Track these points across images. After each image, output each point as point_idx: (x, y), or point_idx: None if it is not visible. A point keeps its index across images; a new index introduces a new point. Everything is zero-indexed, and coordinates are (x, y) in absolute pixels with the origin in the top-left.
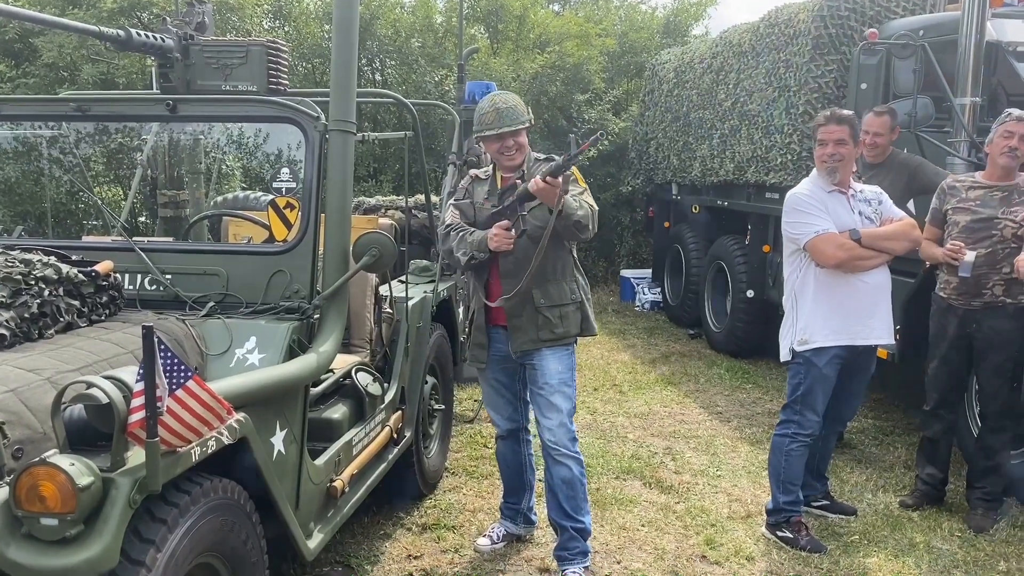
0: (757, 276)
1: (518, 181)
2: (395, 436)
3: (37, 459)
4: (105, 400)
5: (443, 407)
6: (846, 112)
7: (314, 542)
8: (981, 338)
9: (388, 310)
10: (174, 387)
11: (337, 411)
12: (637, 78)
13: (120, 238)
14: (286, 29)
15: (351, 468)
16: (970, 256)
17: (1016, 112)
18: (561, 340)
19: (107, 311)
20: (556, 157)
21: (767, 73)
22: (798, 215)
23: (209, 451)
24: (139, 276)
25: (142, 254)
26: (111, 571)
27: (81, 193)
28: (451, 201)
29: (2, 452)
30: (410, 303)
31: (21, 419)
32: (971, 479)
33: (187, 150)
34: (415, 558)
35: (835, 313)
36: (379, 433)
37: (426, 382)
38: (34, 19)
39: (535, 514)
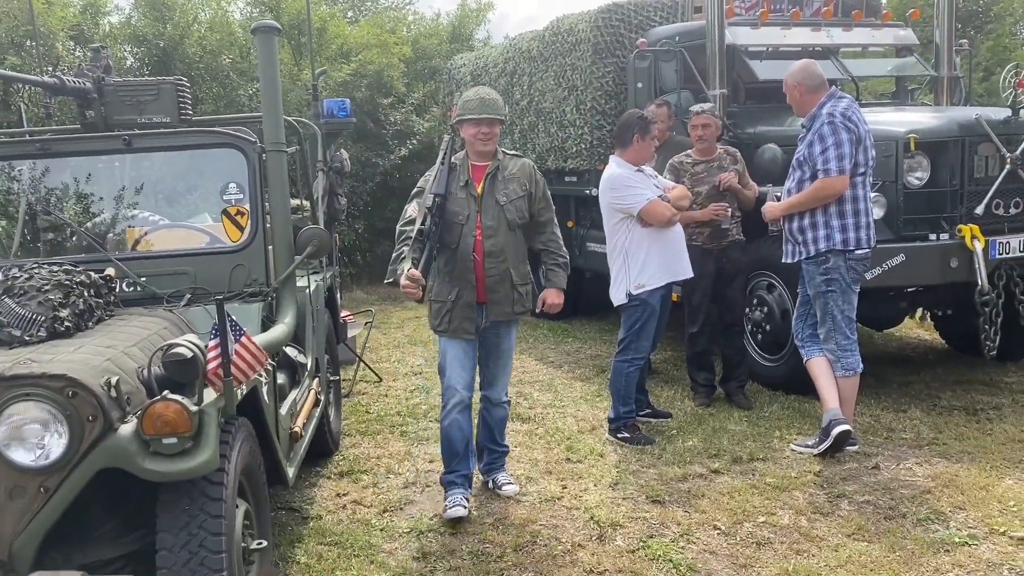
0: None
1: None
2: (319, 399)
3: (158, 397)
4: (190, 355)
5: (337, 377)
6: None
7: (290, 472)
8: (730, 267)
9: None
10: (236, 340)
11: (281, 376)
12: (432, 80)
13: (93, 252)
14: (88, 53)
15: (299, 421)
16: (728, 213)
17: (695, 108)
18: (525, 313)
19: (112, 308)
20: (520, 155)
21: (556, 75)
22: (628, 190)
23: (264, 385)
24: (117, 280)
25: (119, 263)
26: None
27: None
28: (415, 197)
29: (122, 399)
30: (308, 291)
31: (122, 378)
32: (727, 374)
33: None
34: (343, 495)
35: (664, 259)
36: (308, 396)
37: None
38: None
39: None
